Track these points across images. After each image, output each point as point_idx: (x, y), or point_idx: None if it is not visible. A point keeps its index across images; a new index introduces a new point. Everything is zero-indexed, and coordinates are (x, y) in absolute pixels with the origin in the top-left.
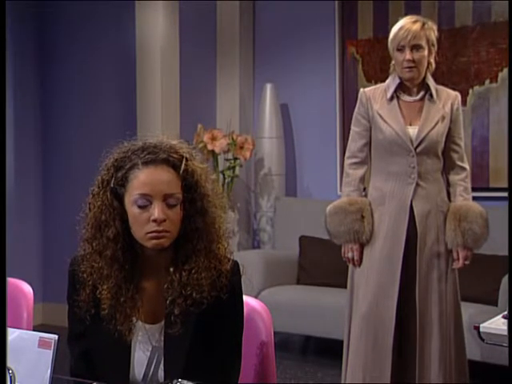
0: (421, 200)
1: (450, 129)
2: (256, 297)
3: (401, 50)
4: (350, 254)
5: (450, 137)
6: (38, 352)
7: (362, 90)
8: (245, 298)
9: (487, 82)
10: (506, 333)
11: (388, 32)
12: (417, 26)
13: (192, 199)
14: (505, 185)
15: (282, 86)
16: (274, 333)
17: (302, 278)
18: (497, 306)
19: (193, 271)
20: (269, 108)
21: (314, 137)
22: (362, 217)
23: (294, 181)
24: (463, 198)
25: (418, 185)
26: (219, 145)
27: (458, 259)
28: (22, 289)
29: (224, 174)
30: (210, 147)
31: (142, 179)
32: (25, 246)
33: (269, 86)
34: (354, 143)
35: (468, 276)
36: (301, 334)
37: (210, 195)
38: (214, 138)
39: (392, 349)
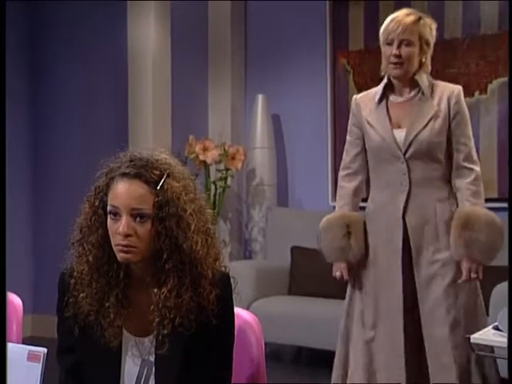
0: (414, 211)
1: (450, 127)
2: (247, 307)
3: (389, 43)
4: (337, 274)
5: (452, 135)
6: (27, 366)
7: (354, 96)
8: (236, 310)
9: (477, 93)
10: (497, 344)
11: (379, 43)
12: (410, 20)
13: (162, 217)
14: (495, 195)
15: (274, 97)
16: (266, 344)
17: (294, 288)
18: (487, 315)
19: (173, 293)
20: (260, 119)
21: (306, 147)
22: (349, 233)
23: (285, 191)
24: (470, 203)
25: (411, 194)
26: (211, 155)
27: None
28: (11, 301)
29: (216, 185)
30: (201, 158)
31: (115, 191)
32: (15, 257)
33: (260, 97)
34: (347, 154)
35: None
36: (292, 345)
37: (185, 215)
38: (205, 149)
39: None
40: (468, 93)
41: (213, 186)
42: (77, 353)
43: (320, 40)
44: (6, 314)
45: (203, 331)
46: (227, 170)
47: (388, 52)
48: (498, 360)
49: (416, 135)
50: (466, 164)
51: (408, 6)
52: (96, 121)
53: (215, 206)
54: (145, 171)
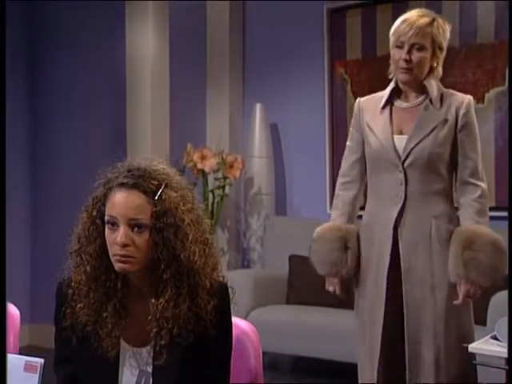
0: (409, 226)
1: (456, 139)
2: (245, 316)
3: (400, 46)
4: (330, 288)
5: (458, 149)
6: (24, 376)
7: (358, 99)
8: (234, 319)
9: (474, 102)
10: (495, 353)
11: (376, 53)
12: (423, 21)
13: (160, 227)
14: (492, 204)
15: (272, 106)
16: (263, 353)
17: (292, 297)
18: (485, 325)
19: (171, 304)
20: (258, 127)
21: (304, 156)
22: (347, 247)
23: (283, 200)
24: (474, 221)
25: (406, 207)
26: (209, 164)
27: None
28: (8, 311)
29: (214, 193)
30: (199, 166)
31: (113, 201)
32: (13, 266)
33: (258, 106)
34: (345, 160)
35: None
36: (290, 354)
37: (183, 225)
38: (203, 157)
39: None
40: None
41: (211, 195)
42: (74, 363)
43: (318, 49)
44: (6, 327)
45: (201, 341)
46: (225, 178)
47: (397, 56)
48: (493, 369)
49: (418, 143)
50: (472, 180)
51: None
52: (95, 130)
53: (213, 215)
54: (143, 181)
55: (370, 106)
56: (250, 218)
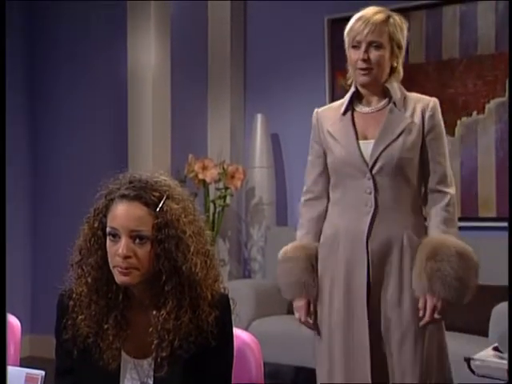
0: (379, 237)
1: (424, 143)
2: (246, 327)
3: (356, 46)
4: (297, 315)
5: (425, 154)
6: None
7: (315, 110)
8: (235, 330)
9: (474, 113)
10: (497, 365)
11: None
12: (378, 18)
13: (162, 239)
14: (493, 215)
15: (273, 117)
16: (264, 364)
17: (293, 308)
18: (487, 336)
19: (172, 316)
20: (259, 138)
21: (305, 166)
22: (312, 266)
23: (284, 210)
24: (440, 230)
25: (376, 216)
26: (210, 174)
27: (425, 310)
28: (9, 322)
29: (215, 204)
30: (200, 177)
31: (115, 213)
32: (13, 277)
33: (259, 117)
34: (308, 175)
35: (458, 306)
36: (291, 365)
37: (185, 237)
38: (204, 168)
39: None
40: (466, 113)
41: (212, 205)
42: (75, 375)
43: (318, 60)
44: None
45: (202, 353)
46: (226, 188)
47: (355, 56)
48: (495, 381)
49: (385, 147)
50: (440, 187)
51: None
52: (96, 142)
53: (214, 225)
54: (144, 193)
55: (329, 115)
56: (251, 228)
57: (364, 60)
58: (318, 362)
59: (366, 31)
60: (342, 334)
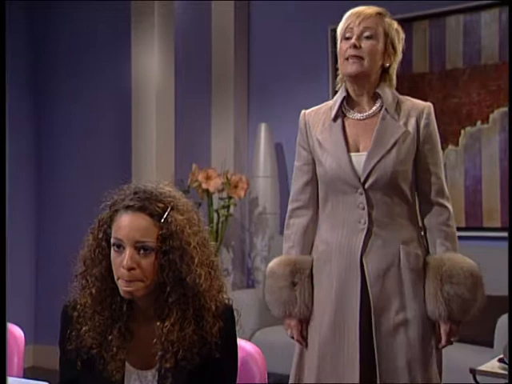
0: (375, 254)
1: (419, 153)
2: (250, 337)
3: (348, 38)
4: (288, 332)
5: (420, 164)
6: None
7: (302, 111)
8: (239, 341)
9: (478, 123)
10: (501, 376)
11: None
12: (372, 11)
13: (166, 250)
14: (497, 224)
15: (276, 126)
16: (268, 374)
17: None
18: (492, 347)
19: (176, 327)
20: (263, 147)
21: None
22: (293, 283)
23: None
24: (445, 248)
25: (371, 233)
26: (213, 184)
27: (441, 336)
28: (12, 332)
29: (218, 213)
30: (204, 186)
31: (119, 224)
32: (17, 287)
33: (263, 126)
34: (295, 182)
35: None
36: None
37: (189, 248)
38: (208, 178)
39: None
40: (470, 122)
41: (215, 215)
42: None
43: (322, 68)
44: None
45: (206, 364)
46: (230, 198)
47: (345, 46)
48: None
49: (378, 161)
50: (438, 199)
51: (409, 35)
52: (100, 152)
53: (218, 235)
54: (149, 204)
55: (318, 119)
56: (255, 237)
57: (355, 47)
58: (305, 375)
59: (358, 20)
60: (330, 358)
